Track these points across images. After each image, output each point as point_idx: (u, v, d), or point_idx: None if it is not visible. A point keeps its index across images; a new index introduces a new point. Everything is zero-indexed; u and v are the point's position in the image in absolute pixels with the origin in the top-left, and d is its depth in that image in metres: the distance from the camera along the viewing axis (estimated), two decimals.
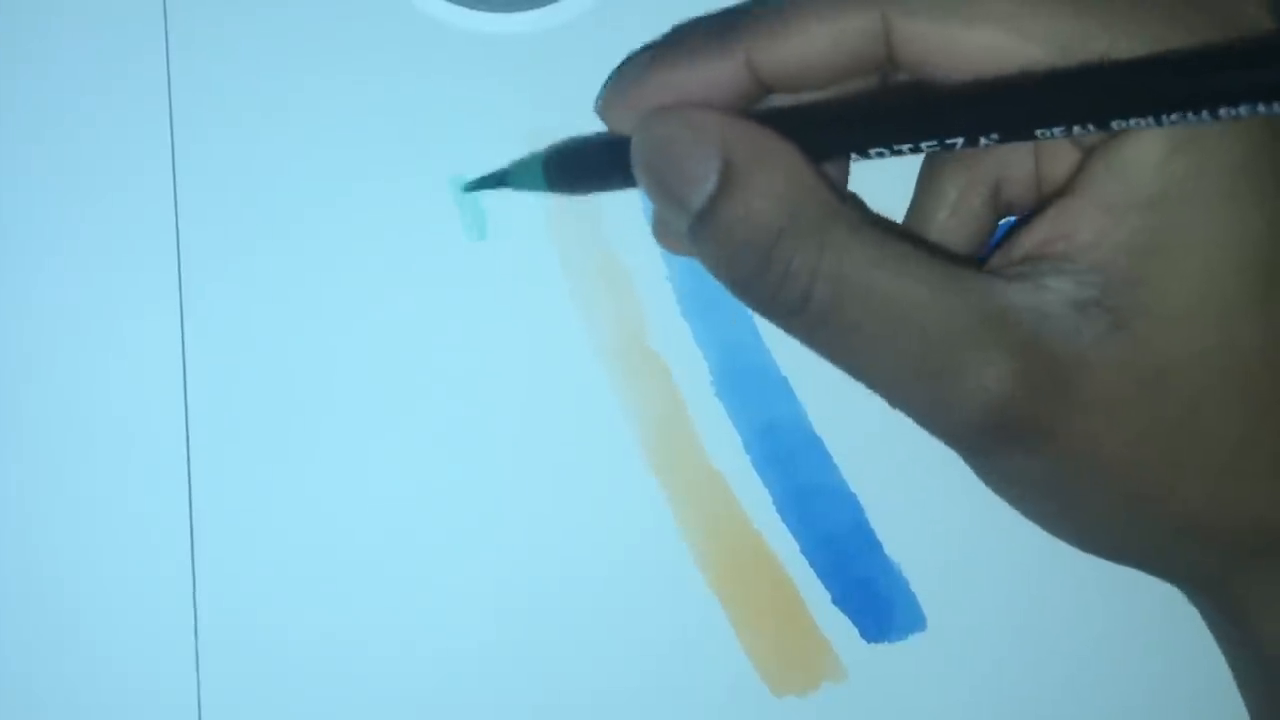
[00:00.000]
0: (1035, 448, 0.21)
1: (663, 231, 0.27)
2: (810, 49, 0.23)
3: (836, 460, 0.28)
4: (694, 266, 0.27)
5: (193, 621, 0.27)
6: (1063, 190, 0.22)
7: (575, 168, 0.27)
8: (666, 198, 0.23)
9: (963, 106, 0.21)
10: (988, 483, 0.24)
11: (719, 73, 0.23)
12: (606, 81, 0.26)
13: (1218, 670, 0.25)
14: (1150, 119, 0.19)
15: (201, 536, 0.28)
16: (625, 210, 0.27)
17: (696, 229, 0.23)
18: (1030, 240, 0.22)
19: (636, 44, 0.28)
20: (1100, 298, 0.21)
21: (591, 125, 0.28)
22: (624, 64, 0.28)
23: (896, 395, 0.22)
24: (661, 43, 0.27)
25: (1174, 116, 0.19)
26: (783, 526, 0.28)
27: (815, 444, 0.28)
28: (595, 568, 0.28)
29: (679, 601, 0.28)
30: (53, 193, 0.28)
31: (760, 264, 0.22)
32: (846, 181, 0.26)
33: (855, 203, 0.26)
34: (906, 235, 0.23)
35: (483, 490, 0.28)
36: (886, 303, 0.21)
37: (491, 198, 0.28)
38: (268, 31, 0.28)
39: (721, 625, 0.28)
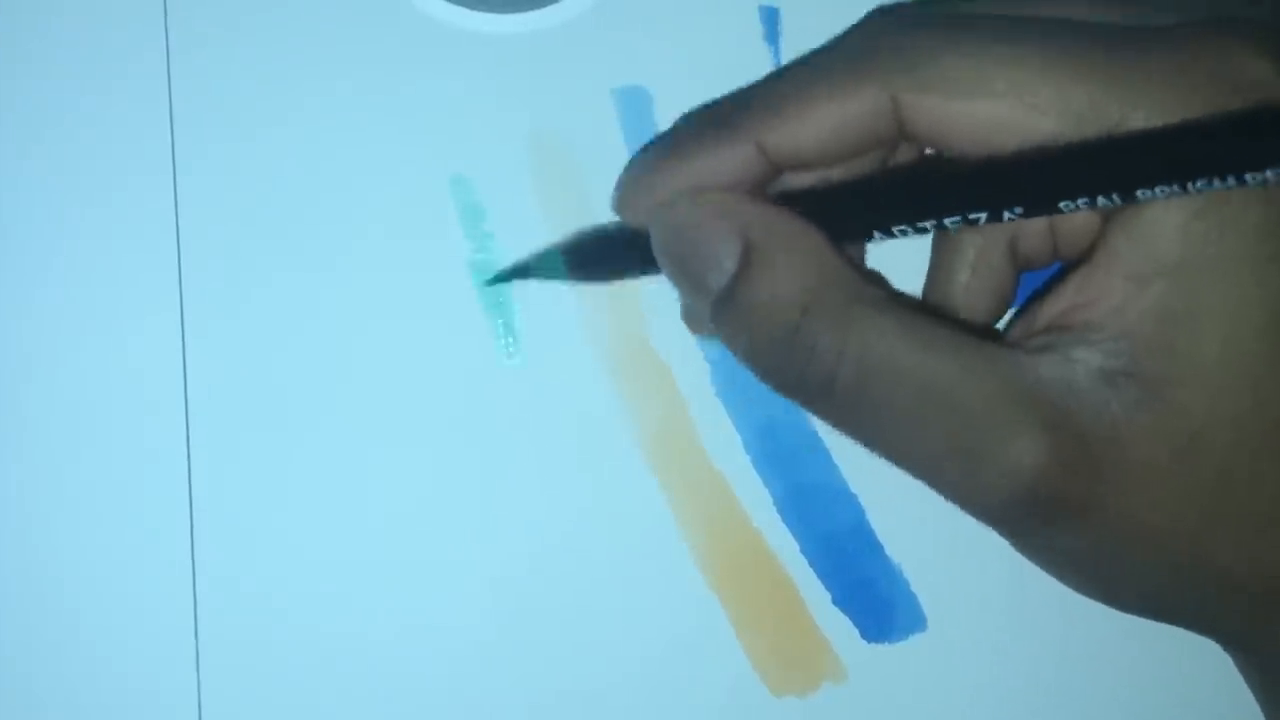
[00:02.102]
0: (1071, 523, 0.21)
1: (690, 318, 0.27)
2: (821, 130, 0.22)
3: (836, 460, 0.28)
4: None
5: (193, 622, 0.27)
6: (1083, 257, 0.22)
7: (595, 258, 0.27)
8: (688, 282, 0.23)
9: (984, 183, 0.21)
10: (1027, 556, 0.23)
11: (730, 158, 0.23)
12: (620, 177, 0.26)
13: (1216, 670, 0.25)
14: (1176, 186, 0.19)
15: (201, 536, 0.28)
16: None
17: (718, 312, 0.22)
18: (1053, 310, 0.22)
19: (636, 44, 0.28)
20: (1128, 367, 0.20)
21: (588, 126, 0.28)
22: (634, 158, 0.27)
23: (929, 474, 0.22)
24: (669, 134, 0.27)
25: (1200, 183, 0.18)
26: (783, 526, 0.28)
27: (815, 444, 0.28)
28: (595, 568, 0.28)
29: (679, 601, 0.28)
30: (53, 193, 0.28)
31: (785, 346, 0.22)
32: (864, 260, 0.26)
33: (878, 281, 0.26)
34: (930, 311, 0.23)
35: (483, 489, 0.28)
36: (915, 381, 0.21)
37: (488, 197, 0.28)
38: (268, 31, 0.28)
39: (721, 625, 0.28)
